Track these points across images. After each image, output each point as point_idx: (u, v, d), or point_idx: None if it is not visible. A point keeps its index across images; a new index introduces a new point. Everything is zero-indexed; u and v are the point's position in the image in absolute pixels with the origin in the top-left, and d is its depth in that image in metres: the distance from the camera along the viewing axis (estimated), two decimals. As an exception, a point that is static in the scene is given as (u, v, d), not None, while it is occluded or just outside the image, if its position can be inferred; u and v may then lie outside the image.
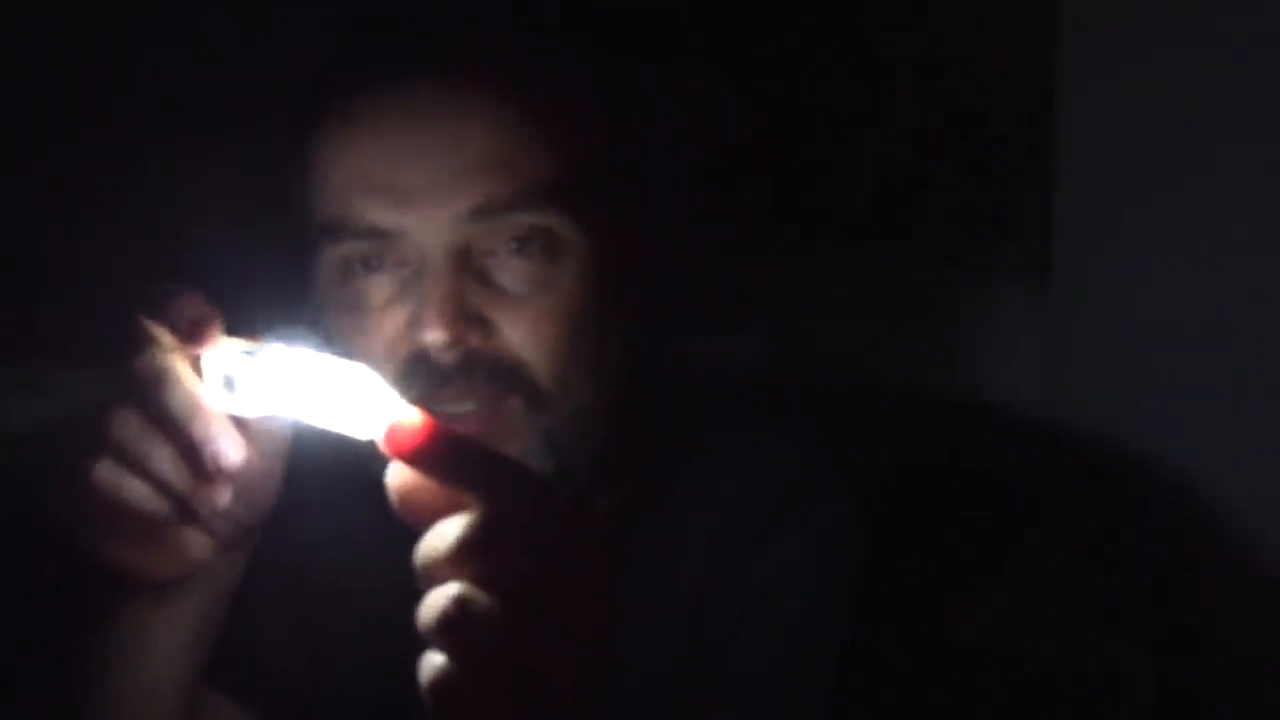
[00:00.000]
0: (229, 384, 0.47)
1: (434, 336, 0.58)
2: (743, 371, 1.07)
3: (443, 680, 0.39)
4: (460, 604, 0.39)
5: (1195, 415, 1.02)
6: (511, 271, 0.60)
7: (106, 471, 0.47)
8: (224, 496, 0.47)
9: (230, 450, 0.47)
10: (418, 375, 0.59)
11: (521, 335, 0.60)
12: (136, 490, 0.47)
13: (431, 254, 0.59)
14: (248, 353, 0.47)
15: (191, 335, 0.47)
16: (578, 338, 0.62)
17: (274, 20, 1.00)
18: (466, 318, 0.59)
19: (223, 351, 0.47)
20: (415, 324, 0.59)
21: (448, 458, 0.40)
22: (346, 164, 0.59)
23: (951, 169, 1.11)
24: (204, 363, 0.48)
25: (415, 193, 0.58)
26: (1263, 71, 0.98)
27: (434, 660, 0.40)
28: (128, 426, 0.47)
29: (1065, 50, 1.05)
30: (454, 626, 0.39)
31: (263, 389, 0.46)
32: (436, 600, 0.39)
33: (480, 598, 0.39)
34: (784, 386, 0.77)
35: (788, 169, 1.15)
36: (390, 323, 0.60)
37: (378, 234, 0.59)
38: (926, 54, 1.11)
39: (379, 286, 0.60)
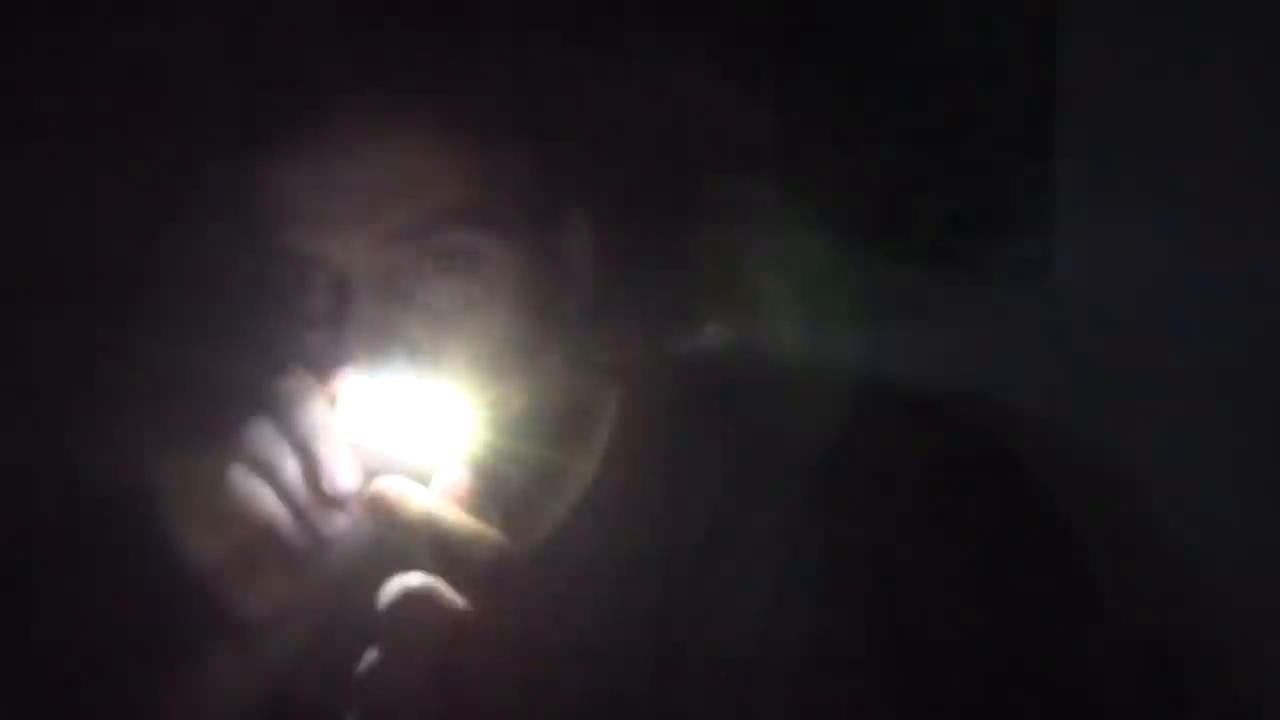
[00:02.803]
0: (355, 415, 0.52)
1: (354, 354, 0.59)
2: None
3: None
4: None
5: (1195, 415, 1.02)
6: (436, 291, 0.61)
7: (238, 476, 0.53)
8: (337, 521, 0.52)
9: (348, 475, 0.51)
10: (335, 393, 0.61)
11: (444, 356, 0.60)
12: (263, 497, 0.52)
13: (355, 277, 0.59)
14: (367, 387, 0.53)
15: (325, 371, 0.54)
16: (507, 354, 0.62)
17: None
18: (386, 338, 0.59)
19: (352, 384, 0.53)
20: (335, 345, 0.60)
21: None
22: (270, 193, 0.61)
23: (951, 169, 1.11)
24: (336, 392, 0.53)
25: (335, 219, 0.59)
26: (1263, 71, 0.98)
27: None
28: (263, 437, 0.53)
29: (1065, 50, 1.05)
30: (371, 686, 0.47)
31: (376, 420, 0.52)
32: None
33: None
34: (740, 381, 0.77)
35: (787, 167, 1.15)
36: (312, 343, 0.61)
37: (303, 259, 0.60)
38: (926, 54, 1.11)
39: (311, 308, 0.61)
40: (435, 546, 0.49)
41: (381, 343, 0.59)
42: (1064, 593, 0.67)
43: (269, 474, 0.53)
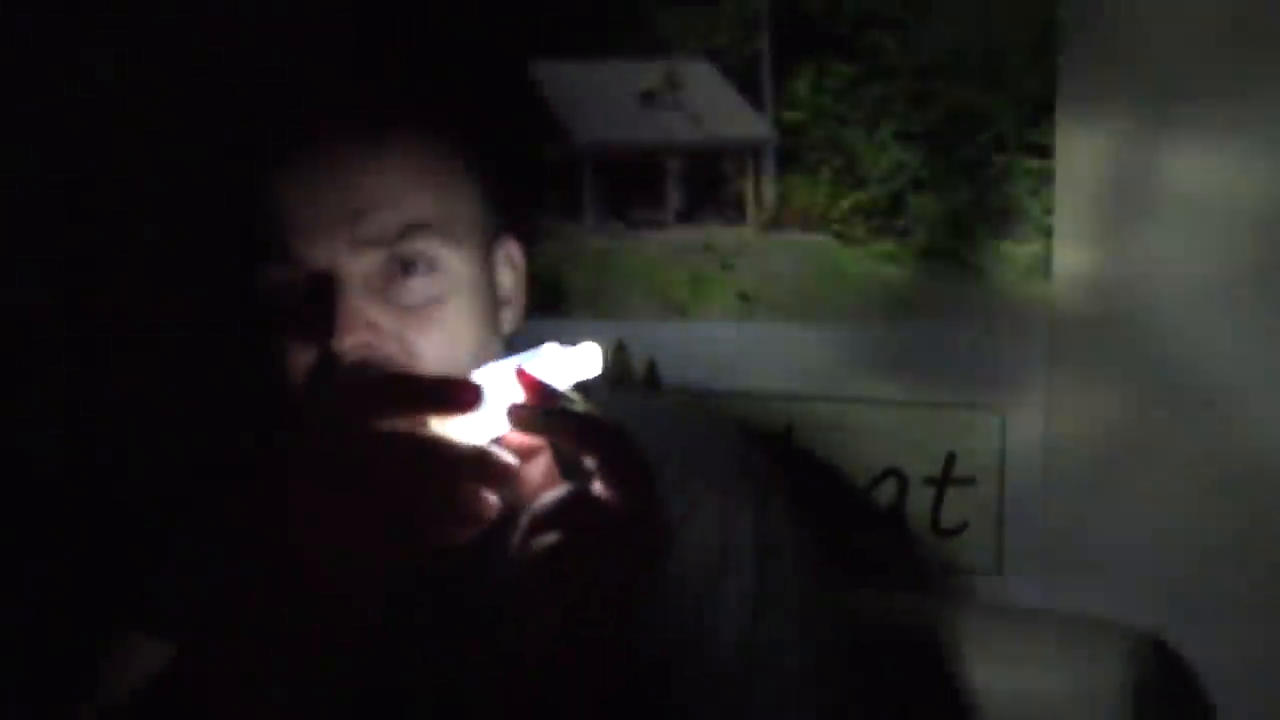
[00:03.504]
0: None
1: (341, 342, 0.71)
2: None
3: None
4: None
5: (1195, 415, 1.02)
6: (402, 289, 0.74)
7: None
8: (494, 504, 0.59)
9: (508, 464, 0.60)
10: (325, 375, 0.72)
11: (412, 341, 0.74)
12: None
13: (337, 276, 0.73)
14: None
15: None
16: (461, 342, 0.76)
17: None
18: (367, 327, 0.72)
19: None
20: (326, 334, 0.72)
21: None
22: (268, 207, 0.74)
23: (951, 169, 1.11)
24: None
25: (321, 228, 0.73)
26: (1263, 72, 0.98)
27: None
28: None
29: (1065, 50, 1.05)
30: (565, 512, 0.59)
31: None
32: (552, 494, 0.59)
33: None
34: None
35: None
36: (305, 333, 0.73)
37: (293, 261, 0.73)
38: (926, 54, 1.11)
39: (295, 303, 0.74)
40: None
41: (363, 329, 0.72)
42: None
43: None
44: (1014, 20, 1.07)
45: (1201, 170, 1.00)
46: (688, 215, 1.23)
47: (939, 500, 1.12)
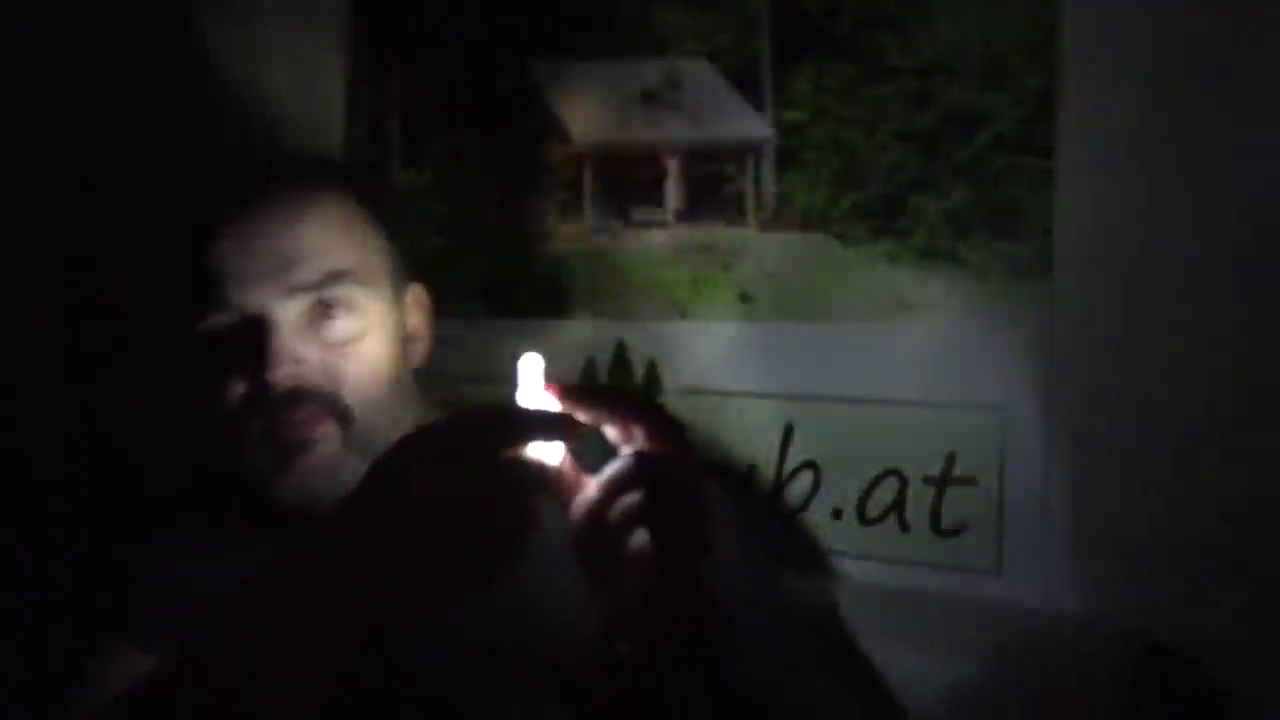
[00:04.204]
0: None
1: (273, 375, 0.84)
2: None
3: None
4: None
5: (1195, 415, 1.02)
6: (326, 329, 0.87)
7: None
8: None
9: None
10: (262, 405, 0.84)
11: (339, 374, 0.87)
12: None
13: (270, 319, 0.85)
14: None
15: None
16: (378, 372, 0.89)
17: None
18: (295, 361, 0.85)
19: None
20: (260, 368, 0.84)
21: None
22: (208, 261, 0.86)
23: (951, 169, 1.11)
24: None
25: (255, 279, 0.86)
26: (1263, 71, 0.98)
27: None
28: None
29: (1065, 50, 1.05)
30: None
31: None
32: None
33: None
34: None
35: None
36: (242, 368, 0.85)
37: (232, 307, 0.86)
38: (926, 54, 1.11)
39: (233, 344, 0.86)
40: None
41: (292, 363, 0.85)
42: None
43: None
44: (1014, 20, 1.07)
45: (1202, 170, 1.00)
46: (688, 215, 1.23)
47: (939, 500, 1.12)
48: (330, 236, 0.89)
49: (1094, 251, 1.05)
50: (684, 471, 0.65)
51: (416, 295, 0.98)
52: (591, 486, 0.64)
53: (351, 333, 0.88)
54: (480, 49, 1.36)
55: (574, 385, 0.66)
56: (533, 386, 0.66)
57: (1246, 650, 1.01)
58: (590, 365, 1.25)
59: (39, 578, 1.21)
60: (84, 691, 0.86)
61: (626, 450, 0.65)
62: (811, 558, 1.18)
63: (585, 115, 1.27)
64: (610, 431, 0.66)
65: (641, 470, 0.64)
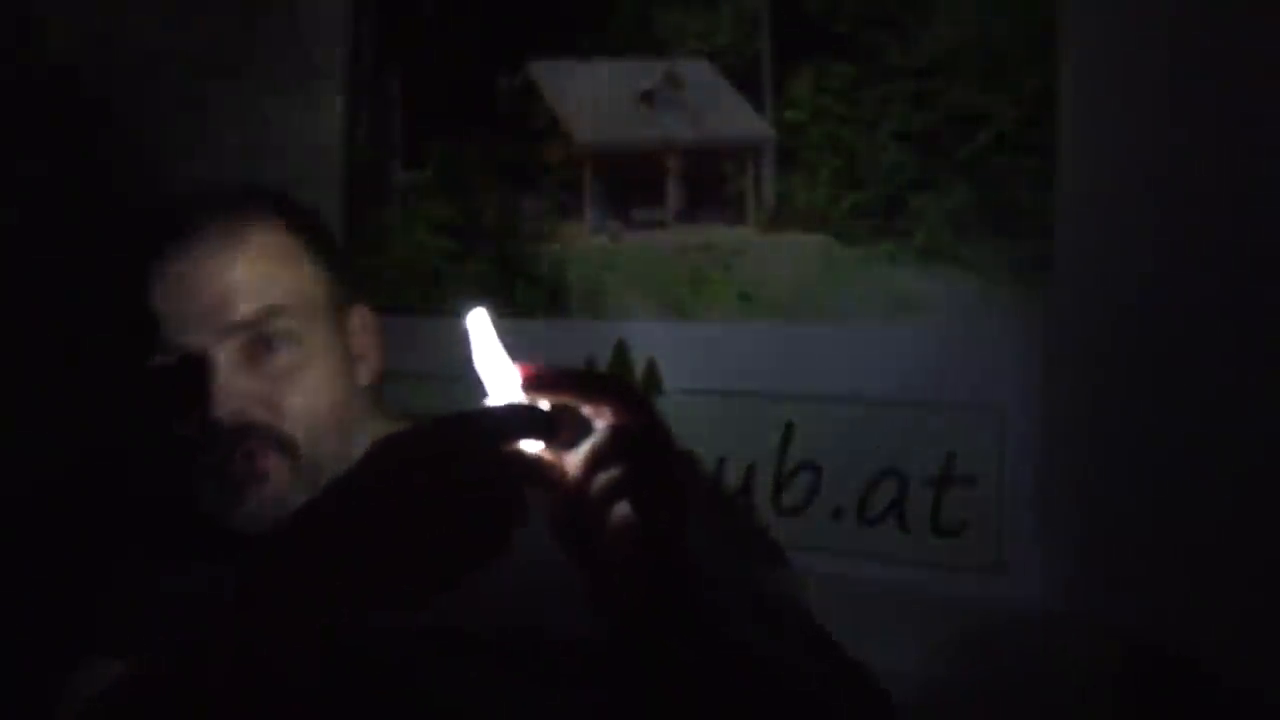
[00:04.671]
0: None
1: (217, 412, 0.85)
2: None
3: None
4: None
5: (1195, 414, 1.02)
6: (267, 362, 0.88)
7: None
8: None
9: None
10: (210, 440, 0.85)
11: (282, 406, 0.87)
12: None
13: (212, 356, 0.86)
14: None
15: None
16: (323, 399, 0.89)
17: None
18: (238, 397, 0.86)
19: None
20: (203, 407, 0.85)
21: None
22: (146, 306, 0.87)
23: (951, 169, 1.11)
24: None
25: (191, 320, 0.86)
26: (1262, 71, 0.98)
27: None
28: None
29: (1065, 50, 1.05)
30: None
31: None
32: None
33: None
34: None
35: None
36: (186, 408, 0.86)
37: (174, 347, 0.87)
38: (926, 54, 1.11)
39: (175, 383, 0.86)
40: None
41: (235, 399, 0.85)
42: None
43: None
44: (1014, 20, 1.07)
45: (1202, 169, 1.00)
46: (688, 215, 1.23)
47: (939, 500, 1.12)
48: (265, 271, 0.89)
49: (1094, 251, 1.05)
50: (660, 440, 0.65)
51: (362, 316, 0.97)
52: (570, 464, 0.64)
53: (293, 364, 0.88)
54: (480, 49, 1.36)
55: (542, 369, 0.65)
56: (485, 343, 0.65)
57: (1245, 649, 1.01)
58: (590, 365, 1.25)
59: (11, 590, 1.22)
60: (55, 704, 0.86)
61: (599, 425, 0.65)
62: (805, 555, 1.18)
63: (585, 115, 1.27)
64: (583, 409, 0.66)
65: (620, 442, 0.64)
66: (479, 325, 0.66)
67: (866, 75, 1.13)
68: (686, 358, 1.23)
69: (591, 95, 1.28)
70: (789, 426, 1.19)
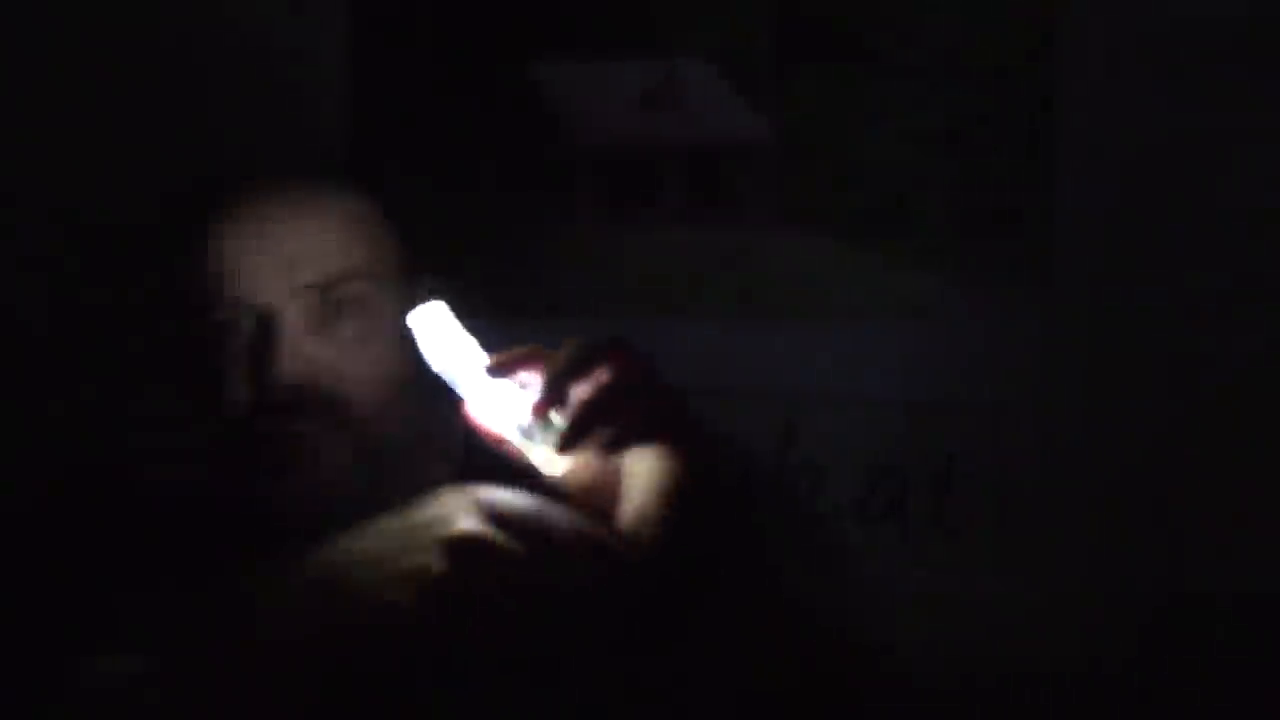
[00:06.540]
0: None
1: (279, 376, 0.80)
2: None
3: None
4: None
5: (1195, 415, 1.02)
6: (335, 327, 0.84)
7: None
8: None
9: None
10: (265, 408, 0.81)
11: (345, 376, 0.83)
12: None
13: (278, 316, 0.82)
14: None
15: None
16: (389, 371, 0.84)
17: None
18: (303, 360, 0.81)
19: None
20: (263, 369, 0.81)
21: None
22: (219, 258, 0.84)
23: (951, 169, 1.11)
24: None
25: (263, 276, 0.83)
26: (1262, 70, 0.98)
27: None
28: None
29: (1065, 50, 1.05)
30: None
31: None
32: None
33: None
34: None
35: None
36: (244, 369, 0.82)
37: (241, 305, 0.83)
38: (926, 54, 1.11)
39: (240, 342, 0.83)
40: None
41: (300, 362, 0.81)
42: None
43: None
44: (1014, 20, 1.07)
45: (1202, 169, 1.01)
46: (688, 215, 1.23)
47: (939, 500, 1.12)
48: (340, 234, 0.86)
49: (1094, 251, 1.06)
50: (656, 386, 0.66)
51: (427, 289, 0.93)
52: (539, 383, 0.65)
53: (361, 333, 0.84)
54: (480, 49, 1.36)
55: (515, 353, 0.66)
56: (444, 338, 0.65)
57: (1244, 648, 1.01)
58: (590, 365, 1.25)
59: (30, 578, 1.21)
60: (66, 697, 0.85)
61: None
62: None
63: (585, 115, 1.27)
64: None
65: (587, 354, 0.65)
66: (432, 321, 0.65)
67: (866, 75, 1.13)
68: (686, 358, 1.23)
69: (591, 95, 1.28)
70: (789, 426, 1.19)
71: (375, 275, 0.87)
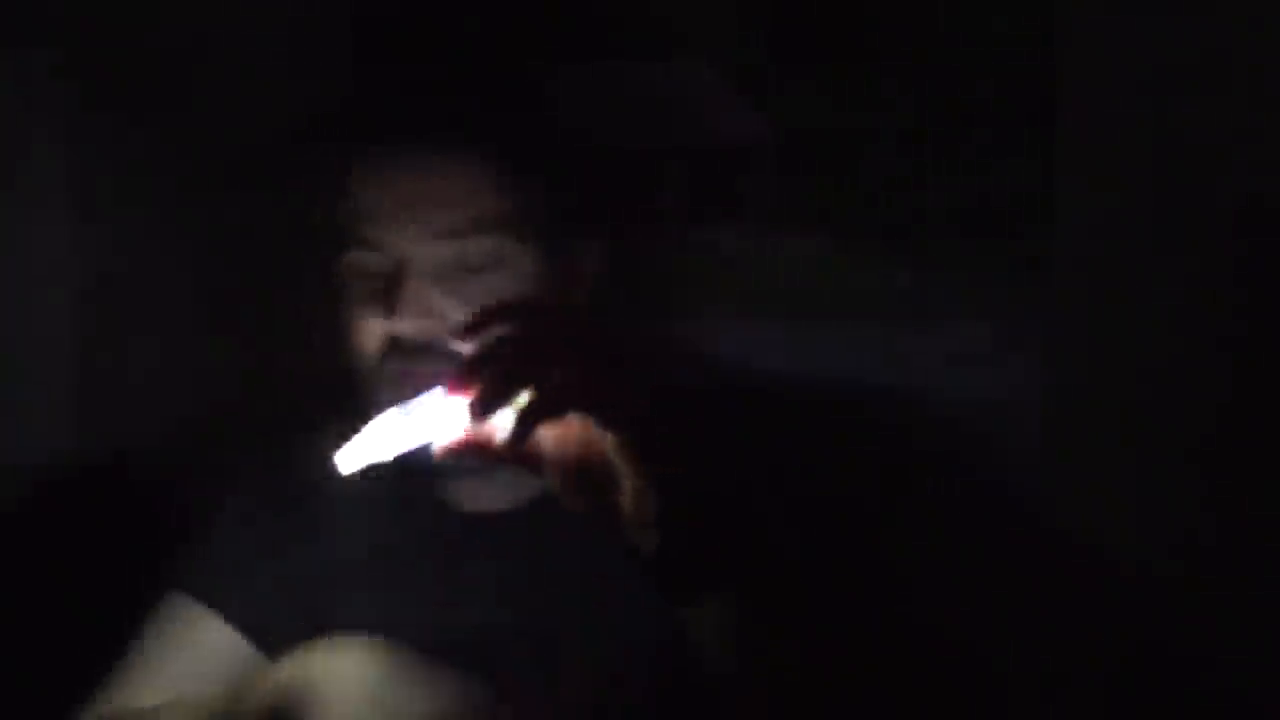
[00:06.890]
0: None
1: (406, 326, 0.76)
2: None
3: None
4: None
5: (1195, 414, 1.02)
6: (468, 283, 0.77)
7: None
8: None
9: None
10: (393, 357, 0.77)
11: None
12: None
13: (411, 263, 0.77)
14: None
15: None
16: None
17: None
18: (428, 312, 0.77)
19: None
20: (394, 316, 0.77)
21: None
22: (358, 196, 0.79)
23: (951, 169, 1.11)
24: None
25: (404, 219, 0.77)
26: (1261, 69, 0.98)
27: None
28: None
29: (1065, 50, 1.05)
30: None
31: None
32: None
33: None
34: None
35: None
36: (375, 314, 0.78)
37: (377, 246, 0.78)
38: (926, 54, 1.11)
39: (372, 286, 0.79)
40: None
41: (424, 314, 0.76)
42: None
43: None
44: (1014, 20, 1.07)
45: (1202, 169, 1.01)
46: (688, 215, 1.24)
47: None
48: (481, 180, 0.78)
49: (1094, 251, 1.06)
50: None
51: (586, 252, 0.85)
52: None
53: (496, 290, 0.77)
54: (480, 50, 1.36)
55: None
56: (395, 434, 0.62)
57: (1245, 647, 1.01)
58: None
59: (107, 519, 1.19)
60: (140, 640, 0.83)
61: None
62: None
63: (585, 115, 1.28)
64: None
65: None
66: (374, 443, 0.62)
67: (866, 75, 1.14)
68: (686, 358, 1.24)
69: (592, 95, 1.28)
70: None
71: (518, 229, 0.79)
